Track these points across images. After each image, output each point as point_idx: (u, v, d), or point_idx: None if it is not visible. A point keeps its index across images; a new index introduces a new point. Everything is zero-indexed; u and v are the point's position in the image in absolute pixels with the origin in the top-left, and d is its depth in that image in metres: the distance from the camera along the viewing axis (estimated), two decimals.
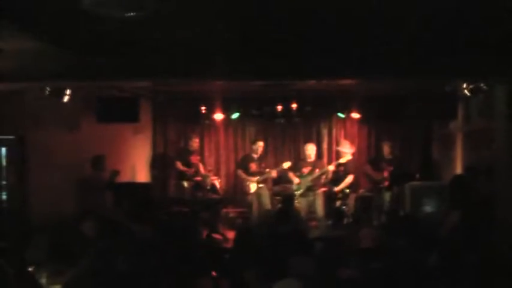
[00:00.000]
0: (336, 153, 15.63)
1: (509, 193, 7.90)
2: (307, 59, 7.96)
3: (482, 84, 9.90)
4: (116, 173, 13.23)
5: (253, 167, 14.99)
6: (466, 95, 10.68)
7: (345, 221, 12.71)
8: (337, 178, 14.62)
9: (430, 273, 5.53)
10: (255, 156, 15.20)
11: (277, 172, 15.01)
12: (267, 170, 15.02)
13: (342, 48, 7.69)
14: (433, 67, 8.30)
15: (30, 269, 6.51)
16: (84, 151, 12.70)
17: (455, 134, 13.79)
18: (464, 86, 10.50)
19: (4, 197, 10.84)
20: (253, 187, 14.89)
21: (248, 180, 14.93)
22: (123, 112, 12.59)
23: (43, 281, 6.77)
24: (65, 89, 10.83)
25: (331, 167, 14.62)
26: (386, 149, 14.87)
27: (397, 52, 7.73)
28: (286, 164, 14.84)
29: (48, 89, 10.50)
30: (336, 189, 14.48)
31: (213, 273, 7.07)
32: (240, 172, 15.24)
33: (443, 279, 5.22)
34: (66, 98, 10.93)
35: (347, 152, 14.77)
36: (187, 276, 6.86)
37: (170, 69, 8.32)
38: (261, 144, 15.35)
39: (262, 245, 7.32)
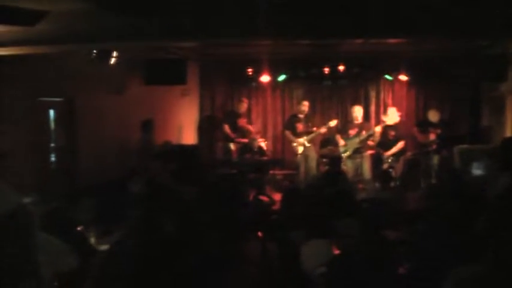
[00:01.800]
0: (383, 122, 15.44)
1: None
2: (355, 18, 7.85)
3: None
4: (168, 143, 13.34)
5: (300, 127, 14.97)
6: None
7: (392, 184, 12.60)
8: (386, 142, 14.51)
9: (478, 236, 5.45)
10: (301, 116, 15.15)
11: (324, 131, 14.93)
12: (314, 128, 14.95)
13: (390, 8, 7.57)
14: (483, 26, 8.14)
15: (79, 229, 6.59)
16: (132, 113, 12.79)
17: (506, 96, 13.55)
18: None
19: (53, 158, 10.94)
20: (300, 149, 14.88)
21: (295, 141, 14.91)
22: (170, 74, 12.60)
23: (92, 240, 6.87)
24: (112, 51, 10.87)
25: (378, 128, 14.51)
26: (433, 112, 14.72)
27: (444, 11, 7.58)
28: (333, 123, 14.81)
29: (94, 51, 10.54)
30: (387, 154, 14.36)
31: (259, 233, 7.09)
32: (288, 133, 15.23)
33: (491, 243, 5.14)
34: (113, 61, 10.97)
35: (393, 119, 14.62)
36: (235, 238, 6.88)
37: (217, 29, 8.28)
38: (306, 103, 15.32)
39: (309, 207, 7.30)
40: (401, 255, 5.89)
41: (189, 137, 16.03)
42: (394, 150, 14.41)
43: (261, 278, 5.72)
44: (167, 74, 12.49)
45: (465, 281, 2.83)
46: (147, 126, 12.96)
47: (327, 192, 8.61)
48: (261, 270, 5.87)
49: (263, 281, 5.57)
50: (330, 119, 15.50)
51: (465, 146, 12.65)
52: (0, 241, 3.86)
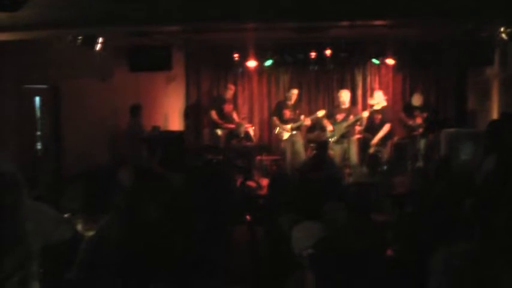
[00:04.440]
0: (370, 105, 15.46)
1: None
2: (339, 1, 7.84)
3: None
4: (157, 128, 13.32)
5: (287, 113, 14.95)
6: (503, 39, 10.47)
7: (380, 168, 12.64)
8: (373, 126, 14.54)
9: (465, 218, 5.47)
10: (290, 103, 15.14)
11: (311, 120, 14.92)
12: (302, 117, 14.94)
13: None
14: (469, 10, 8.14)
15: (65, 216, 6.56)
16: (118, 100, 12.75)
17: (492, 80, 13.58)
18: (502, 30, 10.30)
19: (39, 146, 10.90)
20: (286, 134, 14.87)
21: (282, 127, 14.90)
22: (155, 61, 12.61)
23: (79, 227, 6.85)
24: (97, 37, 10.81)
25: (366, 114, 14.52)
26: (417, 96, 14.74)
27: None
28: (321, 113, 14.75)
29: (79, 37, 10.47)
30: (374, 140, 14.37)
31: (248, 217, 7.09)
32: (275, 119, 15.21)
33: (478, 225, 5.16)
34: (98, 47, 10.91)
35: (380, 104, 14.62)
36: (222, 223, 6.88)
37: (202, 13, 8.25)
38: (295, 91, 15.29)
39: (296, 191, 7.30)
40: (389, 238, 5.91)
41: (175, 123, 16.00)
42: (381, 134, 14.41)
43: (250, 262, 5.73)
44: (152, 61, 12.49)
45: (455, 256, 2.83)
46: (136, 110, 12.91)
47: (314, 177, 8.62)
48: (249, 254, 5.88)
49: (252, 265, 5.59)
50: (317, 104, 15.52)
51: (452, 130, 12.65)
52: None
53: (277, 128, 15.00)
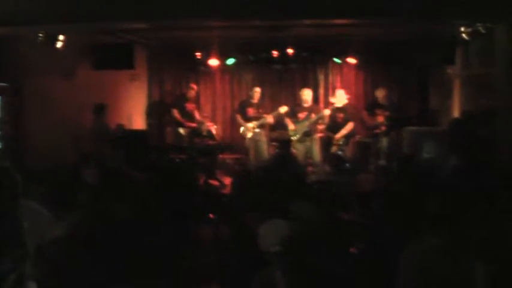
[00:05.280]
0: (331, 104, 15.50)
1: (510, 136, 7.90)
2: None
3: (481, 28, 9.79)
4: (121, 127, 13.26)
5: (251, 111, 14.94)
6: (465, 39, 10.57)
7: (342, 166, 12.69)
8: (335, 125, 14.58)
9: (429, 215, 5.51)
10: (253, 101, 15.15)
11: (274, 117, 14.93)
12: (264, 115, 14.95)
13: None
14: (430, 10, 8.21)
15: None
16: (81, 99, 12.64)
17: (453, 79, 13.70)
18: (463, 29, 10.40)
19: (0, 146, 10.78)
20: (249, 134, 14.87)
21: (245, 125, 14.89)
22: (118, 59, 12.54)
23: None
24: (58, 34, 10.72)
25: (327, 112, 14.55)
26: (382, 95, 14.81)
27: None
28: (283, 109, 14.75)
29: (41, 35, 10.38)
30: (336, 136, 14.43)
31: (211, 215, 7.08)
32: (238, 117, 15.19)
33: (443, 221, 5.21)
34: (59, 44, 10.82)
35: (341, 101, 14.68)
36: (187, 221, 6.85)
37: (165, 11, 8.22)
38: (257, 90, 15.30)
39: (260, 189, 7.30)
40: (354, 236, 5.94)
41: (138, 122, 15.92)
42: (343, 132, 14.47)
43: (216, 261, 5.72)
44: (115, 59, 12.42)
45: (424, 251, 2.88)
46: (100, 109, 12.83)
47: (278, 175, 8.63)
48: (215, 253, 5.87)
49: (218, 264, 5.57)
50: (280, 103, 15.51)
51: (414, 128, 12.75)
52: None
53: (242, 128, 14.99)
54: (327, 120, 14.61)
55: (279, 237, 4.33)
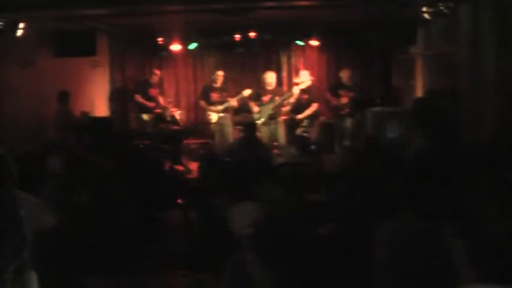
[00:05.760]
0: (295, 84, 15.54)
1: (473, 115, 7.99)
2: None
3: (442, 7, 9.85)
4: (85, 114, 13.18)
5: (214, 96, 14.91)
6: (426, 19, 10.63)
7: (308, 148, 12.72)
8: (299, 106, 14.61)
9: (396, 194, 5.56)
10: (216, 85, 15.12)
11: (238, 101, 14.93)
12: (228, 99, 14.94)
13: None
14: None
15: None
16: (43, 87, 12.53)
17: (415, 59, 13.79)
18: (424, 9, 10.45)
19: None
20: (214, 117, 14.85)
21: (209, 110, 14.87)
22: (79, 46, 12.46)
23: None
24: (19, 22, 10.60)
25: (296, 90, 14.53)
26: (345, 76, 14.85)
27: None
28: (247, 92, 14.74)
29: (1, 23, 10.26)
30: (299, 116, 14.48)
31: (180, 201, 7.09)
32: (202, 102, 15.16)
33: (409, 200, 5.26)
34: (20, 32, 10.70)
35: (305, 82, 14.72)
36: (155, 207, 6.85)
37: None
38: (220, 73, 15.27)
39: (227, 173, 7.31)
40: (322, 216, 5.97)
41: (101, 108, 15.81)
42: (307, 112, 14.52)
43: (186, 246, 5.74)
44: (76, 46, 12.34)
45: (396, 229, 2.93)
46: (64, 97, 12.73)
47: (244, 158, 8.64)
48: (185, 237, 5.89)
49: (188, 248, 5.60)
50: (243, 87, 15.50)
51: (377, 108, 12.83)
52: None
53: (209, 113, 14.96)
54: (293, 100, 14.62)
55: (250, 219, 4.35)
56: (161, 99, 15.67)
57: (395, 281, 2.88)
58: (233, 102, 14.90)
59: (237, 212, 4.94)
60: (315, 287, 3.80)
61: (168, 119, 15.02)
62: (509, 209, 1.97)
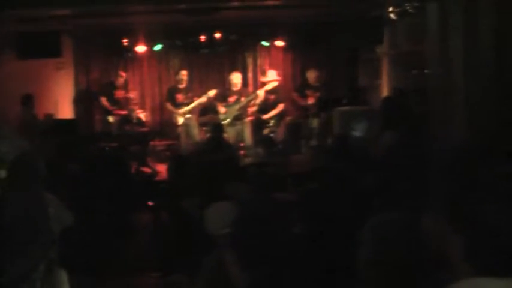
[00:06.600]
0: (261, 83, 15.57)
1: (441, 112, 8.03)
2: None
3: (408, 7, 9.90)
4: (50, 117, 13.05)
5: (180, 97, 14.85)
6: (392, 19, 10.69)
7: (275, 148, 12.73)
8: (266, 106, 14.63)
9: (366, 193, 5.57)
10: (181, 86, 15.06)
11: (204, 101, 14.87)
12: (194, 99, 14.88)
13: None
14: None
15: None
16: (6, 89, 12.36)
17: (381, 58, 13.85)
18: (391, 9, 10.50)
19: None
20: (180, 119, 14.79)
21: (175, 112, 14.81)
22: (43, 47, 12.32)
23: None
24: None
25: (261, 92, 14.55)
26: (311, 76, 14.89)
27: None
28: (212, 92, 14.71)
29: None
30: (265, 116, 14.49)
31: (150, 203, 7.04)
32: (168, 104, 15.10)
33: (379, 198, 5.28)
34: None
35: (272, 81, 14.73)
36: (124, 210, 6.79)
37: None
38: (184, 73, 15.22)
39: (196, 174, 7.28)
40: (293, 216, 5.96)
41: (66, 111, 15.66)
42: (273, 112, 14.53)
43: (156, 247, 5.70)
44: (40, 47, 12.19)
45: (379, 225, 2.94)
46: (27, 100, 12.59)
47: (212, 159, 8.61)
48: (155, 239, 5.84)
49: (159, 251, 5.56)
50: (209, 88, 15.46)
51: (344, 108, 12.86)
52: (13, 188, 3.64)
53: (176, 115, 14.89)
54: (259, 101, 14.63)
55: (227, 219, 4.33)
56: (127, 101, 15.57)
57: (380, 277, 2.89)
58: (202, 100, 14.82)
59: (212, 212, 4.90)
60: (292, 285, 3.79)
61: (134, 120, 14.93)
62: (506, 204, 1.99)
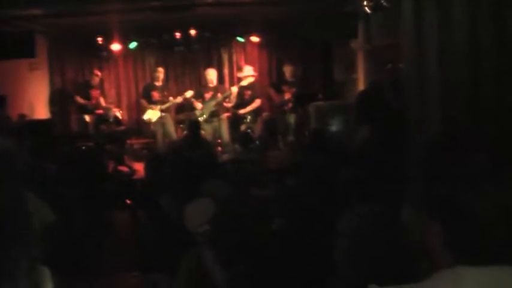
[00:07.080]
0: (238, 79, 15.59)
1: (416, 105, 8.04)
2: None
3: (382, 1, 9.91)
4: (23, 116, 12.96)
5: (156, 95, 14.80)
6: (366, 12, 10.69)
7: (252, 144, 12.75)
8: (243, 103, 14.64)
9: (344, 187, 5.58)
10: (157, 84, 15.01)
11: (180, 101, 14.84)
12: (170, 98, 14.85)
13: None
14: None
15: None
16: None
17: (356, 52, 13.86)
18: (365, 3, 10.51)
19: None
20: (155, 117, 14.71)
21: (150, 109, 14.76)
22: (17, 48, 12.21)
23: None
24: None
25: (235, 89, 14.57)
26: (287, 72, 14.92)
27: None
28: (189, 93, 14.69)
29: None
30: (242, 111, 14.50)
31: (128, 201, 7.01)
32: (143, 102, 15.04)
33: (356, 192, 5.30)
34: None
35: (248, 76, 14.73)
36: (102, 209, 6.76)
37: None
38: (160, 70, 15.20)
39: (173, 172, 7.26)
40: (271, 212, 5.96)
41: (41, 111, 15.56)
42: (249, 108, 14.55)
43: (135, 246, 5.68)
44: (14, 48, 12.08)
45: (358, 217, 2.96)
46: (0, 101, 12.49)
47: (189, 156, 8.60)
48: (133, 238, 5.82)
49: (137, 249, 5.54)
50: (185, 85, 15.49)
51: (320, 103, 12.86)
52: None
53: (146, 114, 14.84)
54: (234, 97, 14.64)
55: (206, 216, 4.32)
56: (102, 100, 15.52)
57: (359, 269, 2.91)
58: (178, 100, 14.79)
59: (191, 209, 4.89)
60: (271, 282, 3.79)
61: (111, 119, 14.89)
62: (487, 192, 2.02)
